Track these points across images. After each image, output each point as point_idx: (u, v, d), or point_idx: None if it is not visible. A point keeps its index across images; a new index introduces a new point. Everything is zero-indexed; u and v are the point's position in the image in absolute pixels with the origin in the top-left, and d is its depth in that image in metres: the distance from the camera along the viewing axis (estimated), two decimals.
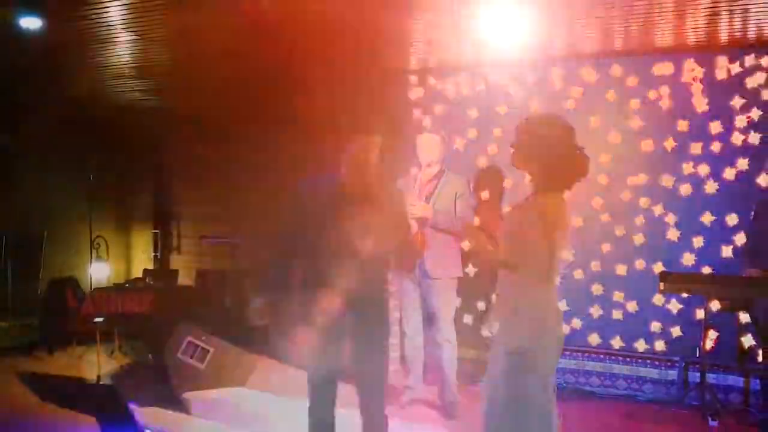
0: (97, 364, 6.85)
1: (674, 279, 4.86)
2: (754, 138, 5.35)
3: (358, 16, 4.85)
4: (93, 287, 7.99)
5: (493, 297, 3.18)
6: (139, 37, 5.45)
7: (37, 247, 8.61)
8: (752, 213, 5.08)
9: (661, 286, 4.68)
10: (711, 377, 5.21)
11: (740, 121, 5.40)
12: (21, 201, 8.71)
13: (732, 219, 5.36)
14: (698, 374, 5.15)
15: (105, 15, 4.81)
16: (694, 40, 5.33)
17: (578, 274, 5.83)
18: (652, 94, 5.66)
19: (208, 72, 6.75)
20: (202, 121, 9.00)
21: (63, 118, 8.43)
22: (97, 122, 8.87)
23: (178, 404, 5.47)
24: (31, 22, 3.96)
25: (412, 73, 6.59)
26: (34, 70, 6.58)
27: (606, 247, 5.78)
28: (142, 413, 5.41)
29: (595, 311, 5.83)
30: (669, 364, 5.52)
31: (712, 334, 5.32)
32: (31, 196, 8.77)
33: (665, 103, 5.63)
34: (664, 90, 5.62)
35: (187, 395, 5.43)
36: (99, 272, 8.61)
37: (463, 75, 6.35)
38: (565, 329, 5.81)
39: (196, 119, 8.97)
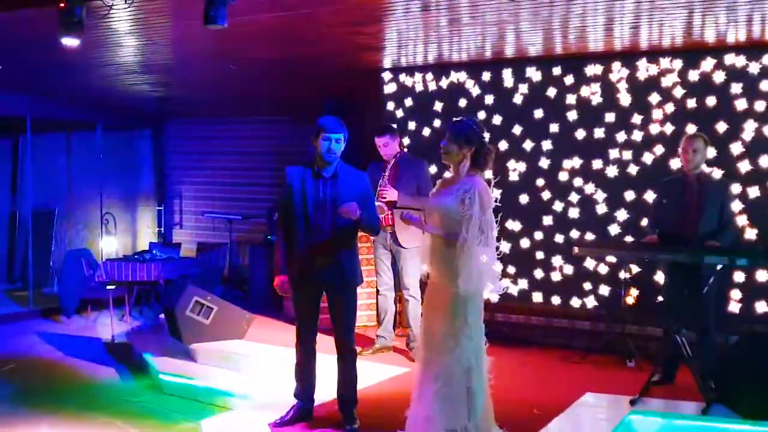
0: (110, 326, 7.69)
1: (585, 244, 5.77)
2: (668, 129, 6.13)
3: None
4: (105, 258, 8.83)
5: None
6: (148, 41, 6.30)
7: (51, 223, 9.35)
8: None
9: (575, 249, 5.60)
10: (632, 328, 6.12)
11: (657, 114, 6.16)
12: (39, 181, 9.39)
13: (650, 196, 6.09)
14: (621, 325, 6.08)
15: (115, 24, 5.61)
16: (620, 46, 6.14)
17: (524, 242, 6.68)
18: (585, 91, 6.45)
19: (205, 68, 7.52)
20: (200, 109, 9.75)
21: (79, 107, 9.12)
22: (110, 109, 9.59)
23: (186, 354, 6.27)
24: (69, 41, 4.80)
25: (385, 71, 7.36)
26: (58, 66, 7.25)
27: (547, 220, 6.60)
28: (156, 362, 6.30)
29: (538, 273, 6.65)
30: (598, 317, 6.40)
31: (634, 292, 6.25)
32: (48, 176, 9.45)
33: (596, 99, 6.42)
34: (595, 87, 6.40)
35: (195, 346, 6.17)
36: (108, 245, 9.46)
37: (429, 73, 7.16)
38: (513, 289, 6.74)
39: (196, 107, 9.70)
